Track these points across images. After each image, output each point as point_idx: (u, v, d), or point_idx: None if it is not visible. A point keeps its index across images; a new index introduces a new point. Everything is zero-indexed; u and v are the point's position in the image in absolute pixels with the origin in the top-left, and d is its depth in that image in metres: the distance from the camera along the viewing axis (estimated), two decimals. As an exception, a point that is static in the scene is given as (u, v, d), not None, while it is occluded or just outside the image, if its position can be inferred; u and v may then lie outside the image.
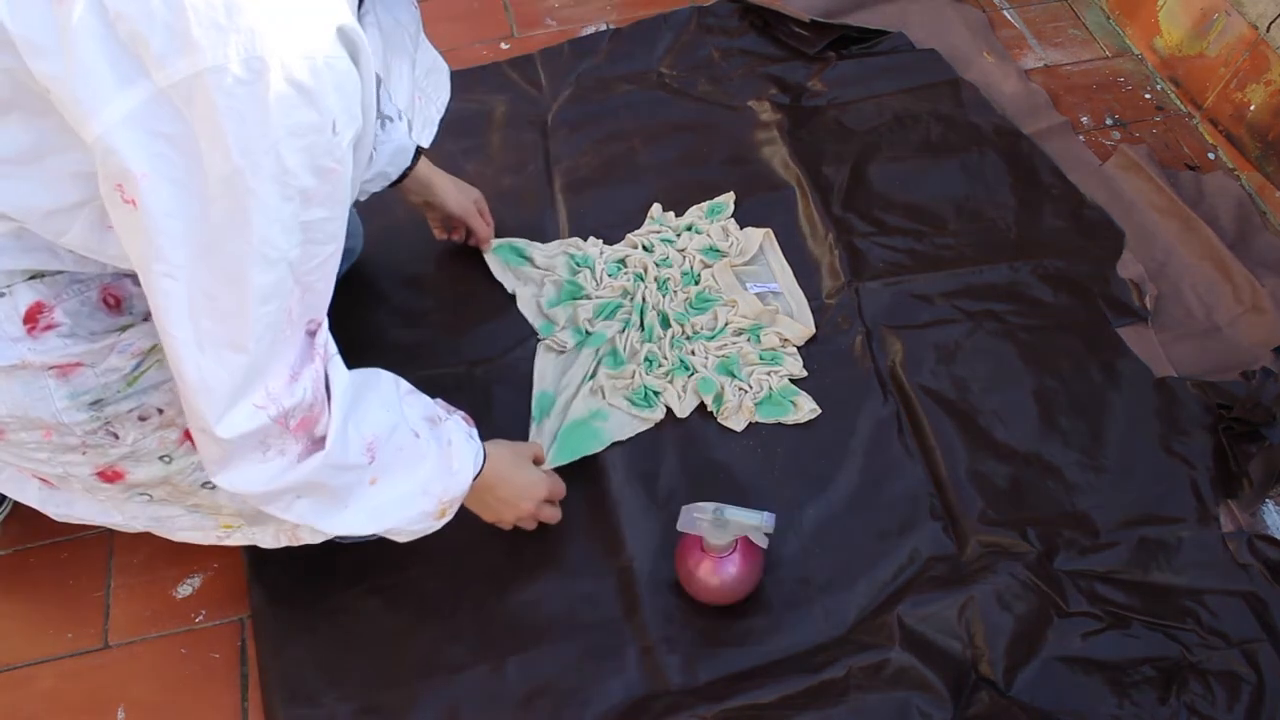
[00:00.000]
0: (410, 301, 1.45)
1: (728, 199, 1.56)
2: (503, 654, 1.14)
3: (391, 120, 1.14)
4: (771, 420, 1.31)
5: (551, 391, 1.33)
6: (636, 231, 1.52)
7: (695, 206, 1.56)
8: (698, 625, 1.15)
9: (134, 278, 0.87)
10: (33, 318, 0.83)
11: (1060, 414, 1.32)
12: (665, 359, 1.36)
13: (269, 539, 1.07)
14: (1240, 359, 1.38)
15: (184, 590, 1.21)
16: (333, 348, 0.86)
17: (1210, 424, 1.31)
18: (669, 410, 1.33)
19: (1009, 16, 1.91)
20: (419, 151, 1.28)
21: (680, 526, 1.09)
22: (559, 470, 1.22)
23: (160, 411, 0.92)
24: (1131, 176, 1.60)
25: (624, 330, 1.39)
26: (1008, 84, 1.74)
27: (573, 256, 1.48)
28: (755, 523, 1.08)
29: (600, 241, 1.51)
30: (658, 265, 1.46)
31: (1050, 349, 1.38)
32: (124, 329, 0.89)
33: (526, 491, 1.13)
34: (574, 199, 1.57)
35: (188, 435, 0.92)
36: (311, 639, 1.15)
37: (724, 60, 1.78)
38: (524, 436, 1.29)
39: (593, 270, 1.46)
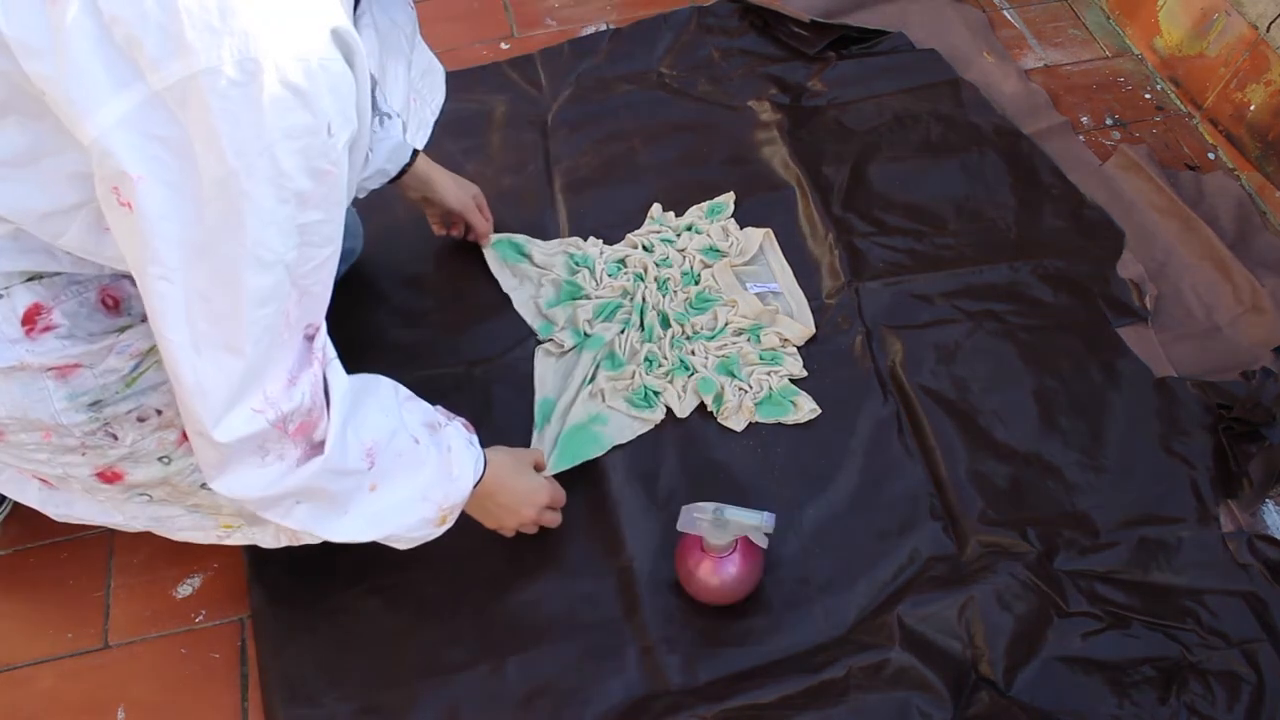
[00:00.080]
0: (410, 301, 1.45)
1: (728, 199, 1.56)
2: (503, 654, 1.14)
3: (390, 117, 1.14)
4: (771, 420, 1.31)
5: (553, 397, 1.33)
6: (636, 231, 1.52)
7: (695, 206, 1.56)
8: (698, 625, 1.15)
9: (132, 279, 0.86)
10: (31, 319, 0.84)
11: (1060, 414, 1.32)
12: (665, 359, 1.36)
13: (269, 539, 1.07)
14: (1240, 359, 1.38)
15: (184, 590, 1.21)
16: (331, 352, 0.86)
17: (1210, 424, 1.31)
18: (669, 410, 1.33)
19: (1009, 16, 1.91)
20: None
21: (680, 526, 1.09)
22: (560, 473, 1.22)
23: (159, 413, 0.92)
24: (1131, 176, 1.60)
25: (624, 331, 1.39)
26: (1008, 84, 1.74)
27: (572, 256, 1.48)
28: (755, 523, 1.08)
29: (600, 241, 1.51)
30: (658, 265, 1.46)
31: (1050, 349, 1.38)
32: (122, 330, 0.89)
33: (528, 498, 1.13)
34: (574, 199, 1.57)
35: (186, 436, 0.92)
36: (311, 639, 1.15)
37: (724, 60, 1.78)
38: (524, 437, 1.30)
39: (592, 270, 1.46)
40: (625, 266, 1.47)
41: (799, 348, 1.38)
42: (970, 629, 1.12)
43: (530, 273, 1.46)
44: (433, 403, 1.03)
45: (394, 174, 1.27)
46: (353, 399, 0.88)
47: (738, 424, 1.31)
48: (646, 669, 1.13)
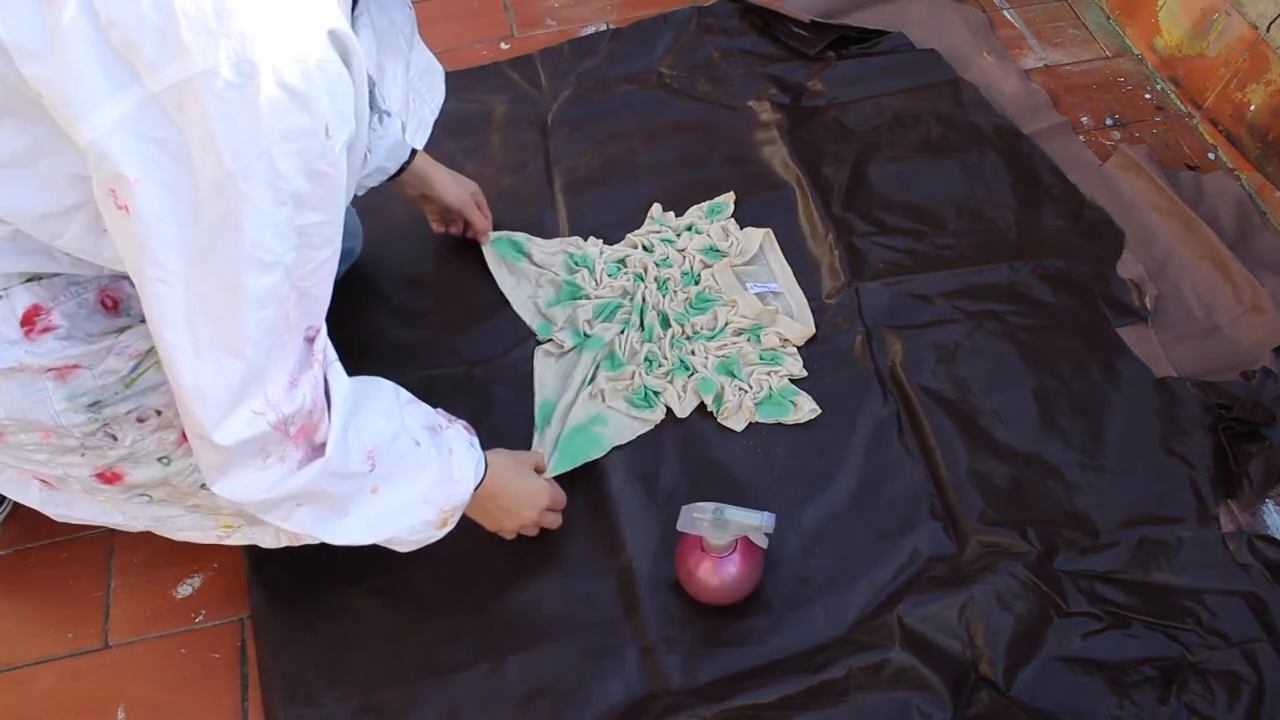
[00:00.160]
0: (410, 301, 1.46)
1: (728, 199, 1.56)
2: (503, 654, 1.14)
3: (389, 115, 1.14)
4: (771, 420, 1.31)
5: (553, 399, 1.33)
6: (636, 231, 1.52)
7: (695, 206, 1.56)
8: (698, 625, 1.15)
9: (131, 280, 0.87)
10: (30, 320, 0.84)
11: (1060, 414, 1.32)
12: (665, 359, 1.36)
13: (269, 539, 1.07)
14: (1240, 359, 1.38)
15: (184, 590, 1.21)
16: (332, 354, 0.86)
17: (1210, 424, 1.31)
18: (669, 410, 1.33)
19: (1009, 16, 1.91)
20: None
21: (680, 526, 1.09)
22: (560, 474, 1.22)
23: (158, 413, 0.92)
24: (1131, 176, 1.59)
25: (623, 331, 1.39)
26: (1008, 84, 1.74)
27: (571, 256, 1.48)
28: (755, 523, 1.08)
29: (600, 241, 1.51)
30: (658, 265, 1.46)
31: (1050, 349, 1.38)
32: (121, 331, 0.89)
33: (528, 500, 1.13)
34: (574, 199, 1.57)
35: (186, 437, 0.92)
36: (311, 639, 1.15)
37: (724, 60, 1.78)
38: (524, 437, 1.29)
39: (592, 270, 1.46)
40: (625, 266, 1.47)
41: (799, 348, 1.38)
42: (970, 629, 1.12)
43: (529, 271, 1.46)
44: (433, 404, 1.03)
45: (393, 172, 1.28)
46: (354, 401, 0.88)
47: (738, 424, 1.31)
48: (646, 669, 1.13)
